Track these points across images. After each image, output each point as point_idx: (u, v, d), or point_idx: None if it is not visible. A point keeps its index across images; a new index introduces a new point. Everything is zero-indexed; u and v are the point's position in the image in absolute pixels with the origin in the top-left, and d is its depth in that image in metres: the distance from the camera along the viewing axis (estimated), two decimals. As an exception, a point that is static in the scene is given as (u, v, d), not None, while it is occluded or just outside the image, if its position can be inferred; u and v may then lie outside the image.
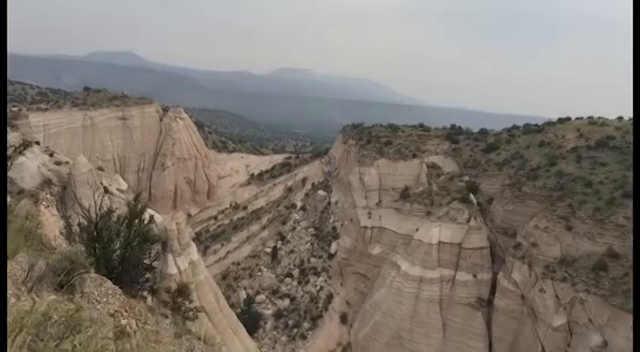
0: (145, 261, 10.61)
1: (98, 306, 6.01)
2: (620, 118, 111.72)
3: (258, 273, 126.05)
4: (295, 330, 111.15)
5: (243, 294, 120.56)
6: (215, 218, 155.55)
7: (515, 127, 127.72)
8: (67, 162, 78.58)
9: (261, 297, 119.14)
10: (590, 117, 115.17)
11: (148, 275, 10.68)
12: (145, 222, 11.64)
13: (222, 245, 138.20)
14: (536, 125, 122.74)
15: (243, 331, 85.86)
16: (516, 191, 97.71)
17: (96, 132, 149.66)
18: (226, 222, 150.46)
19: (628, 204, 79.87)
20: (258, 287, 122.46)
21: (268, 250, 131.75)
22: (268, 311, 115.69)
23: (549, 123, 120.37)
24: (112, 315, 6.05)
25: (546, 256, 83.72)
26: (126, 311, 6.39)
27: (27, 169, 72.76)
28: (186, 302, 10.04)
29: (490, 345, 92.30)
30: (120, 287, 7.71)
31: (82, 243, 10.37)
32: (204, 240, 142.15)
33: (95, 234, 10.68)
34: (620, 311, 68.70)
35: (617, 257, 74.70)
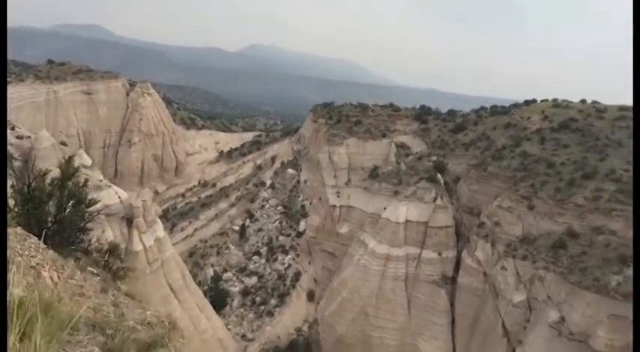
0: (79, 223, 10.59)
1: (19, 259, 6.07)
2: (583, 101, 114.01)
3: (226, 251, 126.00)
4: (262, 307, 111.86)
5: (210, 272, 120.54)
6: (183, 195, 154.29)
7: (482, 109, 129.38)
8: (29, 137, 76.72)
9: (228, 275, 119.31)
10: (555, 100, 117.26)
11: (82, 237, 10.67)
12: (80, 185, 11.53)
13: (189, 222, 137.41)
14: (503, 107, 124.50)
15: (209, 308, 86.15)
16: (482, 171, 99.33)
17: (60, 106, 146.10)
18: (194, 199, 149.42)
19: (587, 185, 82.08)
20: (226, 264, 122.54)
21: (236, 228, 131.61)
22: (235, 289, 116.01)
23: (515, 105, 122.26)
24: (32, 267, 6.13)
25: (508, 235, 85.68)
26: (48, 264, 6.47)
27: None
28: (117, 262, 10.07)
29: (453, 321, 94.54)
30: (49, 245, 7.70)
31: (17, 204, 10.33)
32: (172, 218, 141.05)
33: (28, 195, 10.63)
34: (577, 288, 70.94)
35: (576, 236, 76.88)
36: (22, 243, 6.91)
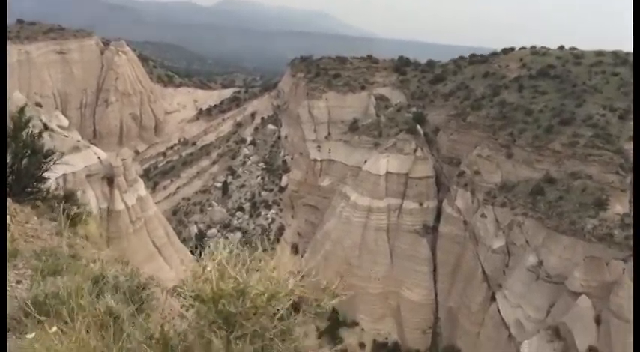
0: (36, 172, 10.68)
1: None
2: (561, 48, 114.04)
3: (209, 208, 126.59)
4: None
5: (194, 229, 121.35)
6: (164, 154, 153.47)
7: (461, 58, 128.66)
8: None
9: (212, 231, 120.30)
10: (533, 48, 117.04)
11: (40, 186, 10.78)
12: (35, 135, 11.57)
13: (171, 181, 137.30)
14: (482, 56, 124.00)
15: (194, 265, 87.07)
16: (461, 121, 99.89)
17: (33, 67, 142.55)
18: (175, 158, 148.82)
19: (565, 131, 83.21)
20: (210, 221, 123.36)
21: (219, 185, 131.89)
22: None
23: (494, 54, 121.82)
24: None
25: (488, 183, 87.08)
26: None
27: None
28: (74, 207, 10.25)
29: (434, 269, 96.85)
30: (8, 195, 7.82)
31: None
32: (154, 177, 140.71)
33: None
34: (555, 233, 72.95)
35: (553, 182, 78.42)
36: None
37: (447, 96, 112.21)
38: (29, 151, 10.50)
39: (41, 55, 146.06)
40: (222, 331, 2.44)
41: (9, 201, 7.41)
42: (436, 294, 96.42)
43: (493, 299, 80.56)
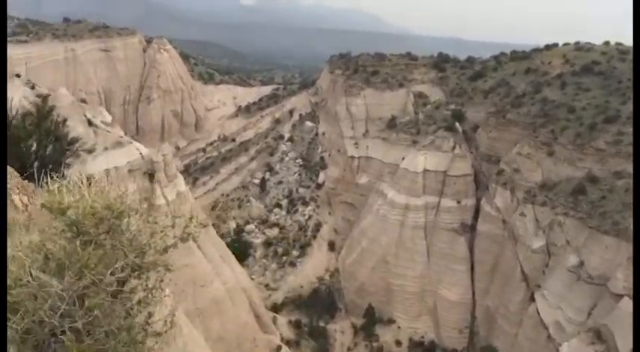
0: (60, 159, 11.24)
1: None
2: (606, 43, 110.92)
3: (247, 204, 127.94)
4: (284, 258, 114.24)
5: (232, 224, 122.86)
6: (204, 150, 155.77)
7: (502, 55, 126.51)
8: (49, 95, 77.75)
9: (250, 227, 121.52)
10: (577, 43, 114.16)
11: (63, 171, 11.30)
12: (58, 124, 12.20)
13: (211, 177, 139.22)
14: (524, 52, 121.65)
15: (232, 259, 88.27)
16: (501, 118, 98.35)
17: (78, 64, 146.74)
18: (215, 154, 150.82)
19: (609, 129, 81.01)
20: (248, 217, 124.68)
21: (257, 181, 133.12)
22: (258, 240, 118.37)
23: (536, 50, 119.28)
24: None
25: (528, 181, 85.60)
26: (18, 188, 7.04)
27: (11, 104, 71.98)
28: None
29: (472, 268, 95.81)
30: (24, 177, 8.13)
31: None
32: (193, 173, 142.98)
33: (9, 133, 11.42)
34: (597, 233, 71.23)
35: (596, 181, 76.56)
36: None
37: (487, 93, 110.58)
38: (53, 138, 11.07)
39: (86, 52, 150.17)
40: (73, 238, 2.68)
41: (25, 181, 7.84)
42: (473, 293, 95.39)
43: (532, 299, 79.21)
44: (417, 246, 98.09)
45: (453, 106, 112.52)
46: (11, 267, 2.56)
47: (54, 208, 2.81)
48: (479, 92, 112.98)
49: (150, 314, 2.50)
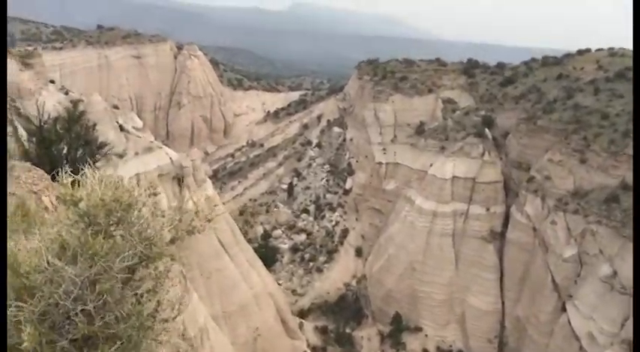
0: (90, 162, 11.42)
1: (23, 185, 6.94)
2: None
3: (275, 209, 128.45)
4: (311, 264, 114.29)
5: (260, 229, 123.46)
6: (232, 155, 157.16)
7: (533, 60, 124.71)
8: (82, 101, 79.33)
9: (277, 232, 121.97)
10: (611, 49, 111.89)
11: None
12: (88, 128, 12.50)
13: (239, 182, 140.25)
14: (555, 57, 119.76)
15: (260, 264, 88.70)
16: (532, 125, 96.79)
17: (111, 70, 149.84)
18: (243, 159, 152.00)
19: (644, 136, 79.04)
20: (275, 222, 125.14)
21: (284, 187, 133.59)
22: (285, 246, 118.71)
23: (568, 55, 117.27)
24: (34, 193, 6.92)
25: (559, 189, 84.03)
26: (48, 190, 7.23)
27: (45, 109, 73.65)
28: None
29: (502, 276, 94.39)
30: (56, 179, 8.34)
31: (33, 146, 11.49)
32: (222, 177, 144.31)
33: (40, 136, 11.71)
34: (631, 242, 69.38)
35: (630, 189, 74.62)
36: (26, 173, 7.88)
37: (518, 99, 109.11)
38: (83, 142, 11.32)
39: (119, 59, 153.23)
40: (85, 229, 2.94)
41: (56, 183, 8.02)
42: (503, 302, 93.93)
43: (564, 309, 77.56)
44: (444, 254, 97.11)
45: (482, 112, 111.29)
46: (31, 257, 2.75)
47: (67, 200, 3.02)
48: (509, 98, 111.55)
49: (159, 302, 2.64)
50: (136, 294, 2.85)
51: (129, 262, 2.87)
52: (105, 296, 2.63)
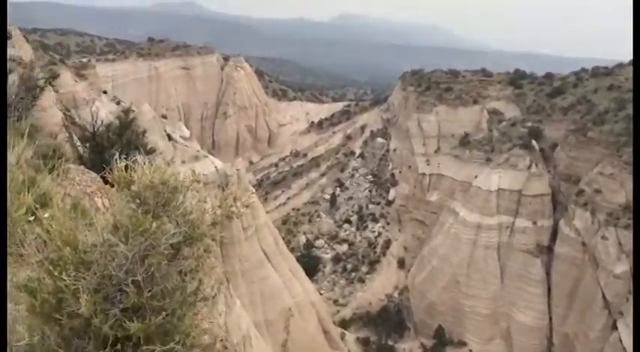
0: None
1: (77, 187, 7.38)
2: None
3: (318, 219, 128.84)
4: (353, 274, 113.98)
5: (302, 239, 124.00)
6: (276, 165, 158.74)
7: (583, 70, 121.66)
8: (133, 111, 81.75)
9: (320, 242, 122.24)
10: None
11: None
12: (138, 134, 13.09)
13: (282, 191, 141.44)
14: (606, 68, 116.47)
15: (302, 273, 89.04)
16: (581, 137, 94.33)
17: (161, 81, 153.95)
18: (286, 169, 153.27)
19: (701, 148, 75.94)
20: (318, 232, 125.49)
21: (327, 197, 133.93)
22: (327, 256, 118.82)
23: (620, 66, 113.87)
24: (87, 194, 7.33)
25: (610, 203, 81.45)
26: (100, 192, 7.65)
27: (98, 117, 76.29)
28: None
29: (549, 292, 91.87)
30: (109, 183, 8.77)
31: (87, 151, 12.16)
32: (266, 187, 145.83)
33: (94, 141, 12.36)
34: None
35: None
36: (81, 176, 8.44)
37: (566, 110, 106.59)
38: (133, 147, 11.82)
39: (168, 70, 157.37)
40: (136, 208, 3.26)
41: (108, 186, 8.41)
42: (550, 318, 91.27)
43: (614, 327, 74.88)
44: (489, 267, 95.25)
45: (529, 123, 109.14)
46: (88, 235, 3.14)
47: (121, 182, 3.40)
48: (558, 109, 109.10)
49: (200, 281, 2.95)
50: (180, 272, 3.14)
51: (174, 240, 3.17)
52: (152, 269, 2.93)
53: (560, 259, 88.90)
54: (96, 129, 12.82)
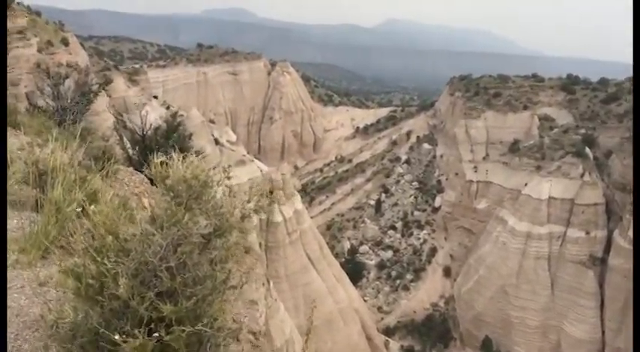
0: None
1: (126, 187, 7.64)
2: None
3: (362, 225, 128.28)
4: (398, 281, 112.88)
5: (347, 244, 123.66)
6: (321, 170, 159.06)
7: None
8: (182, 115, 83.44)
9: (364, 248, 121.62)
10: None
11: None
12: (184, 137, 13.36)
13: (327, 196, 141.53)
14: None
15: (346, 279, 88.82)
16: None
17: (209, 87, 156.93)
18: (331, 174, 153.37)
19: None
20: (362, 238, 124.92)
21: (372, 202, 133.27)
22: (371, 262, 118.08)
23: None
24: (135, 194, 7.54)
25: (668, 213, 77.93)
26: (147, 192, 7.88)
27: (147, 120, 78.35)
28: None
29: (602, 304, 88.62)
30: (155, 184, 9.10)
31: (136, 153, 12.53)
32: (311, 192, 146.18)
33: (142, 143, 12.68)
34: None
35: None
36: (129, 177, 8.79)
37: (622, 117, 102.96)
38: (179, 150, 12.05)
39: (216, 76, 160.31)
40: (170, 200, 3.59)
41: (154, 187, 8.70)
42: (603, 332, 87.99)
43: (671, 343, 71.50)
44: (539, 278, 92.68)
45: (583, 131, 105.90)
46: (128, 225, 3.46)
47: (157, 177, 3.73)
48: (612, 116, 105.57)
49: (229, 271, 3.13)
50: (211, 261, 3.38)
51: (204, 231, 3.44)
52: (184, 257, 3.18)
53: (614, 271, 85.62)
54: (145, 133, 13.26)
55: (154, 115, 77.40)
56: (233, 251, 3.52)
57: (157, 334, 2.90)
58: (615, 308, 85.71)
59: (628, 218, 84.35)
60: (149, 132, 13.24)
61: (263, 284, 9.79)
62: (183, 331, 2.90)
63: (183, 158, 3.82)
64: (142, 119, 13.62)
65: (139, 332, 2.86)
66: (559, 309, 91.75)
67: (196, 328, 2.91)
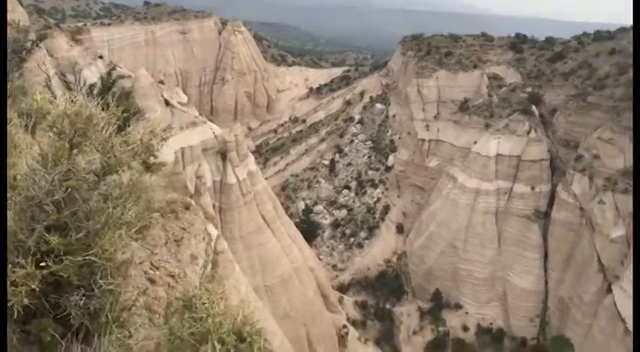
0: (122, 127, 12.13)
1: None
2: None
3: (317, 185, 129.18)
4: (352, 239, 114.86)
5: (301, 205, 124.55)
6: (275, 131, 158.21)
7: (585, 35, 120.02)
8: (129, 76, 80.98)
9: (319, 208, 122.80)
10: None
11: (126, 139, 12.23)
12: (121, 95, 13.22)
13: (281, 157, 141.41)
14: (608, 32, 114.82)
15: (301, 239, 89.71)
16: (581, 102, 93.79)
17: (157, 46, 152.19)
18: (285, 135, 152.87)
19: (701, 113, 75.49)
20: (317, 198, 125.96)
21: (326, 162, 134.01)
22: (326, 221, 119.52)
23: (623, 30, 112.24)
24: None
25: (608, 168, 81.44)
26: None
27: (82, 77, 75.62)
28: (151, 158, 11.45)
29: (546, 256, 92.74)
30: None
31: None
32: (265, 153, 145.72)
33: None
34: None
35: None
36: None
37: (567, 76, 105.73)
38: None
39: (165, 34, 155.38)
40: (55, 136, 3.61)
41: None
42: (546, 282, 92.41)
43: (609, 290, 75.80)
44: (487, 232, 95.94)
45: (529, 89, 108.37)
46: (19, 163, 3.52)
47: (37, 113, 3.72)
48: (558, 74, 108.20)
49: (125, 207, 3.19)
50: (105, 199, 3.36)
51: (91, 167, 3.46)
52: (70, 191, 3.21)
53: (558, 224, 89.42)
54: (80, 90, 12.95)
55: (98, 75, 74.83)
56: (131, 188, 3.57)
57: (43, 264, 2.96)
58: (558, 259, 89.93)
59: (571, 173, 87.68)
60: (83, 90, 12.94)
61: (203, 238, 9.91)
62: (73, 261, 2.94)
63: (69, 97, 3.75)
64: (75, 76, 13.32)
65: (26, 262, 2.94)
66: (505, 261, 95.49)
67: (85, 258, 2.93)
